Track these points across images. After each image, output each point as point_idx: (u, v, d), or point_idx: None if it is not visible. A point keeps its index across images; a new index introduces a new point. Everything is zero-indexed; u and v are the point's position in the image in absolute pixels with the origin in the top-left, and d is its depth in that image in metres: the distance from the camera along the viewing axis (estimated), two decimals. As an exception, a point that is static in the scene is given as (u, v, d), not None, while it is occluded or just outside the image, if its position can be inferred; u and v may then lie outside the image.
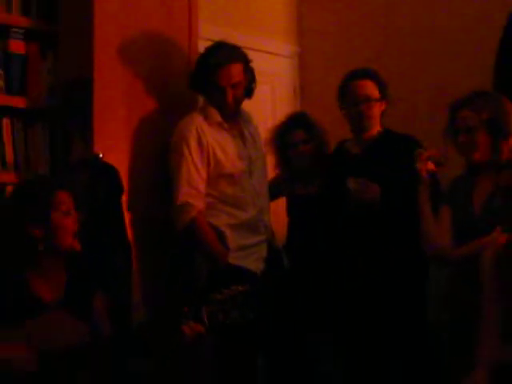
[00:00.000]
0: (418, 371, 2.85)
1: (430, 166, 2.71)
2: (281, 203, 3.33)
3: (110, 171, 2.70)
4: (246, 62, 2.93)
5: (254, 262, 2.91)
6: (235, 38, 3.05)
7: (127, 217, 2.73)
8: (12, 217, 2.16)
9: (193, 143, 2.81)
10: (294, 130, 3.19)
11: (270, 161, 3.29)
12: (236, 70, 2.87)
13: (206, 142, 2.84)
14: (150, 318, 2.77)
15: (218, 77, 2.83)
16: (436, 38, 3.67)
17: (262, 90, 3.27)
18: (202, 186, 2.82)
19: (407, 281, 2.86)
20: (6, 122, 2.85)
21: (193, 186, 2.79)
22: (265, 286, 2.79)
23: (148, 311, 2.78)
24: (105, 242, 2.59)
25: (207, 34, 3.27)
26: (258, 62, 3.06)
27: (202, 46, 3.07)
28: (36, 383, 1.97)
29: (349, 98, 2.99)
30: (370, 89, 2.97)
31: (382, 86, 2.98)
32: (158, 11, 3.04)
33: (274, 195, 3.21)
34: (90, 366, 2.04)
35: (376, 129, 3.00)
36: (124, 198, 2.72)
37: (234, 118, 2.98)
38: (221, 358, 2.80)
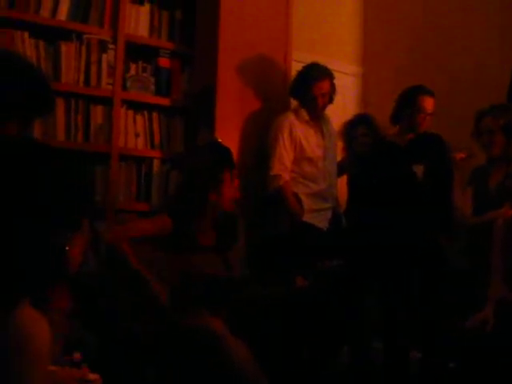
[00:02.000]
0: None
1: (461, 155, 3.40)
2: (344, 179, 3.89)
3: (225, 151, 3.27)
4: (332, 78, 3.57)
5: (321, 222, 3.57)
6: (314, 59, 3.62)
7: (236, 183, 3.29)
8: (203, 183, 2.84)
9: (285, 133, 3.48)
10: (357, 126, 3.77)
11: (340, 147, 3.85)
12: (326, 84, 3.52)
13: (295, 133, 3.50)
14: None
15: (313, 88, 3.49)
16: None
17: (336, 99, 3.71)
18: (289, 164, 3.49)
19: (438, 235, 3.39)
20: (155, 115, 3.69)
21: (282, 163, 3.47)
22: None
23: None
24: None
25: (296, 57, 3.91)
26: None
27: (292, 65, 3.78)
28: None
29: (417, 106, 3.40)
30: (432, 105, 3.44)
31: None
32: (264, 38, 3.71)
33: (340, 172, 3.79)
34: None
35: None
36: (234, 170, 3.28)
37: (317, 118, 3.62)
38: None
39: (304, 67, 3.61)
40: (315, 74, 3.53)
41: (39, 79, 1.84)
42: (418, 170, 3.41)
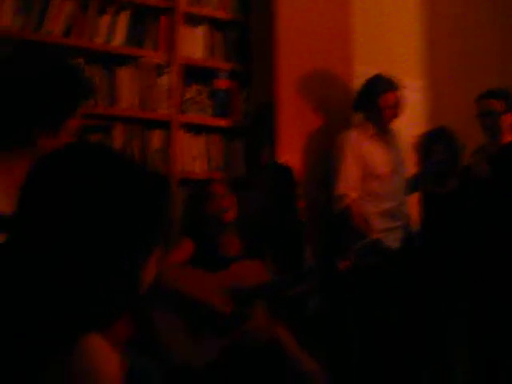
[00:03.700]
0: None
1: None
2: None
3: (288, 170, 3.33)
4: (398, 90, 3.44)
5: (392, 241, 3.37)
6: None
7: (302, 204, 3.33)
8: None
9: (350, 150, 3.34)
10: (435, 141, 3.53)
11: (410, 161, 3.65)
12: (393, 96, 3.41)
13: (360, 150, 3.36)
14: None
15: (379, 101, 3.38)
16: None
17: (401, 114, 3.56)
18: (355, 182, 3.34)
19: None
20: (213, 137, 3.63)
21: (348, 181, 3.32)
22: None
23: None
24: (283, 217, 3.26)
25: (357, 72, 3.74)
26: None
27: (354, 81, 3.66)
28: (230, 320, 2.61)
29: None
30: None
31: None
32: (323, 53, 3.60)
33: (411, 190, 3.59)
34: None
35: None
36: (298, 190, 3.33)
37: (383, 133, 3.49)
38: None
39: (369, 79, 3.50)
40: (381, 85, 3.42)
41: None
42: None
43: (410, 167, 3.70)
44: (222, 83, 3.71)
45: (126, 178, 1.06)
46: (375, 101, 3.40)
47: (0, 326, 0.97)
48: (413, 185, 3.66)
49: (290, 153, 3.43)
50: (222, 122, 3.67)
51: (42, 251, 0.99)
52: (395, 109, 3.46)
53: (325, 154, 3.52)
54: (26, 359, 0.95)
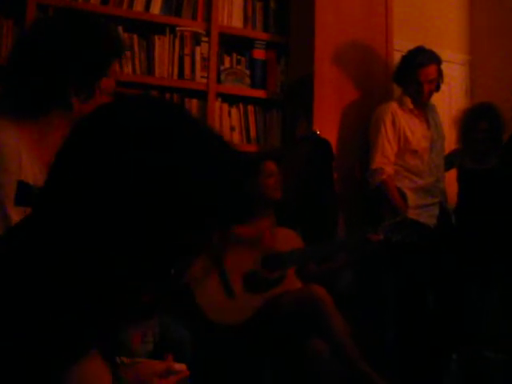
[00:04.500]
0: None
1: None
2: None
3: (324, 143, 3.30)
4: (439, 63, 3.35)
5: (428, 218, 3.30)
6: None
7: (335, 176, 3.33)
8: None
9: (388, 123, 3.27)
10: (479, 119, 3.49)
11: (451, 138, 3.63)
12: (433, 69, 3.30)
13: (398, 123, 3.29)
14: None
15: (419, 74, 3.27)
16: None
17: (441, 88, 3.50)
18: (392, 157, 3.29)
19: None
20: (250, 108, 3.61)
21: (385, 156, 3.27)
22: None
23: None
24: (319, 192, 3.26)
25: (397, 46, 3.69)
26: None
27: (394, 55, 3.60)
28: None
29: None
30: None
31: None
32: (363, 24, 3.54)
33: (449, 166, 3.56)
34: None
35: None
36: (334, 163, 3.31)
37: (422, 107, 3.39)
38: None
39: (409, 52, 3.39)
40: (421, 58, 3.30)
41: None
42: None
43: (451, 143, 3.64)
44: (260, 54, 3.68)
45: (194, 136, 0.84)
46: (415, 74, 3.30)
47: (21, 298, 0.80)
48: (451, 161, 3.60)
49: (327, 125, 3.39)
50: (259, 93, 3.64)
51: (78, 222, 0.80)
52: (435, 83, 3.36)
53: (362, 128, 3.47)
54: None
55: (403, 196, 3.31)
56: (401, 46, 3.71)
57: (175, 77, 3.45)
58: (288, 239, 2.92)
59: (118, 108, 0.86)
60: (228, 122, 3.56)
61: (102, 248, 0.80)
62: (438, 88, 3.41)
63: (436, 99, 3.56)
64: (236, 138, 3.58)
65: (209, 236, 0.88)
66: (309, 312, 2.55)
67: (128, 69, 3.35)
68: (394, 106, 3.36)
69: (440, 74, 3.38)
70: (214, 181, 0.83)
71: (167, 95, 3.42)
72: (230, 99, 3.59)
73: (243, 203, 0.88)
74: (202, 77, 3.51)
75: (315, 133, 3.35)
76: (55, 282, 0.79)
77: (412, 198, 3.33)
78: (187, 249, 0.85)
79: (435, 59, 3.34)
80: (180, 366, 1.24)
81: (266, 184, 2.98)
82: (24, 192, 1.46)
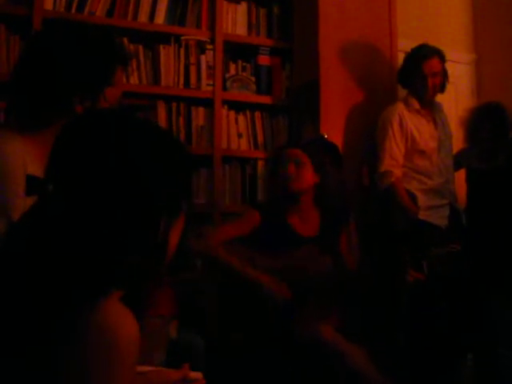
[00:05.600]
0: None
1: None
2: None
3: (331, 147, 3.24)
4: (443, 57, 3.34)
5: (438, 219, 3.29)
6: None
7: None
8: None
9: (395, 125, 3.25)
10: (486, 118, 3.47)
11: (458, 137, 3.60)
12: (436, 62, 3.29)
13: (405, 124, 3.27)
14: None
15: (423, 67, 3.26)
16: None
17: (447, 89, 3.49)
18: (400, 159, 3.26)
19: None
20: (257, 114, 3.61)
21: (393, 158, 3.24)
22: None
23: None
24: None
25: (402, 47, 3.65)
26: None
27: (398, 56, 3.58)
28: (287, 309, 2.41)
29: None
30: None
31: None
32: (367, 28, 3.53)
33: (457, 166, 3.54)
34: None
35: None
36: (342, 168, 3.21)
37: (429, 107, 3.37)
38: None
39: (412, 49, 3.41)
40: (424, 52, 3.31)
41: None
42: None
43: (458, 143, 3.61)
44: (265, 60, 3.68)
45: (154, 140, 1.09)
46: (419, 68, 3.30)
47: (33, 276, 0.99)
48: (458, 161, 3.59)
49: (334, 129, 3.38)
50: (265, 99, 3.64)
51: (78, 206, 1.01)
52: (439, 77, 3.35)
53: (368, 131, 3.45)
54: (50, 306, 0.96)
55: (413, 198, 3.29)
56: (405, 47, 3.67)
57: (181, 86, 3.47)
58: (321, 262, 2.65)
59: (93, 123, 1.10)
60: (235, 129, 3.57)
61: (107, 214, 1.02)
62: (443, 88, 3.40)
63: (442, 99, 3.56)
64: (244, 144, 3.58)
65: (177, 202, 1.11)
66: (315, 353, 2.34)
67: (134, 79, 3.36)
68: (400, 106, 3.34)
69: (444, 71, 3.38)
70: (169, 164, 1.09)
71: (173, 104, 3.44)
72: (237, 106, 3.59)
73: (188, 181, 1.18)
74: (207, 85, 3.52)
75: (323, 136, 3.34)
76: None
77: (422, 200, 3.31)
78: (165, 210, 1.07)
79: (438, 52, 3.34)
80: (196, 375, 1.25)
81: (284, 172, 2.69)
82: (32, 184, 1.51)
